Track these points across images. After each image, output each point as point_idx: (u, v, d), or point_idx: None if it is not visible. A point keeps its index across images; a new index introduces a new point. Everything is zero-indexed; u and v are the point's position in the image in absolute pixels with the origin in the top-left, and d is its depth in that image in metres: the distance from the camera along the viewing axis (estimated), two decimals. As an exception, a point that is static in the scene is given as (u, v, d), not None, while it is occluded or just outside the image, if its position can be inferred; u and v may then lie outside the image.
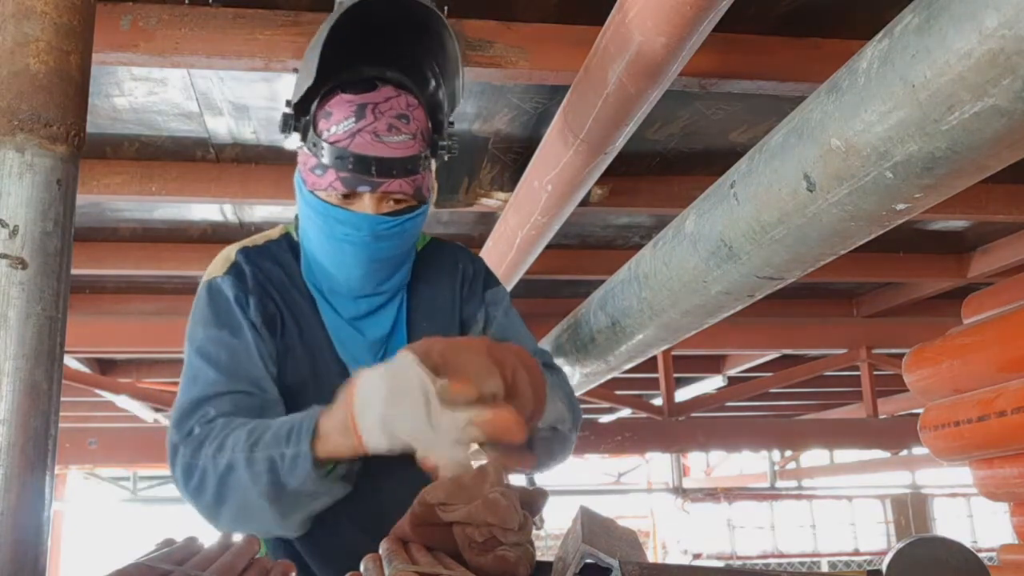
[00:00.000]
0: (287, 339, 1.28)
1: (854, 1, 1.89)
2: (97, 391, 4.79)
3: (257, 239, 1.40)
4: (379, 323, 1.32)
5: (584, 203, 2.48)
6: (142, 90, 2.17)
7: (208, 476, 1.12)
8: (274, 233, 1.41)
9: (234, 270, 1.31)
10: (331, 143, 1.19)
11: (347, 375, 1.23)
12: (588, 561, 0.62)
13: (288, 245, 1.37)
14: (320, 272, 1.31)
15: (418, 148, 1.22)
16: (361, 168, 1.18)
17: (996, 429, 2.67)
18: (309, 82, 1.16)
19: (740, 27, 1.88)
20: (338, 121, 1.20)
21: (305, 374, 1.26)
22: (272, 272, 1.32)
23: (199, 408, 1.18)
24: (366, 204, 1.21)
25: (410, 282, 1.35)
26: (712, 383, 6.00)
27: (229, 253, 1.35)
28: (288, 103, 1.25)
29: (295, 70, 1.28)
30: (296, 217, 1.36)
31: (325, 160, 1.20)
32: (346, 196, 1.21)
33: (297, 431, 1.06)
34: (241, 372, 1.21)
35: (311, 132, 1.23)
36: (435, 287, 1.37)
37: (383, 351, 1.30)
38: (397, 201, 1.23)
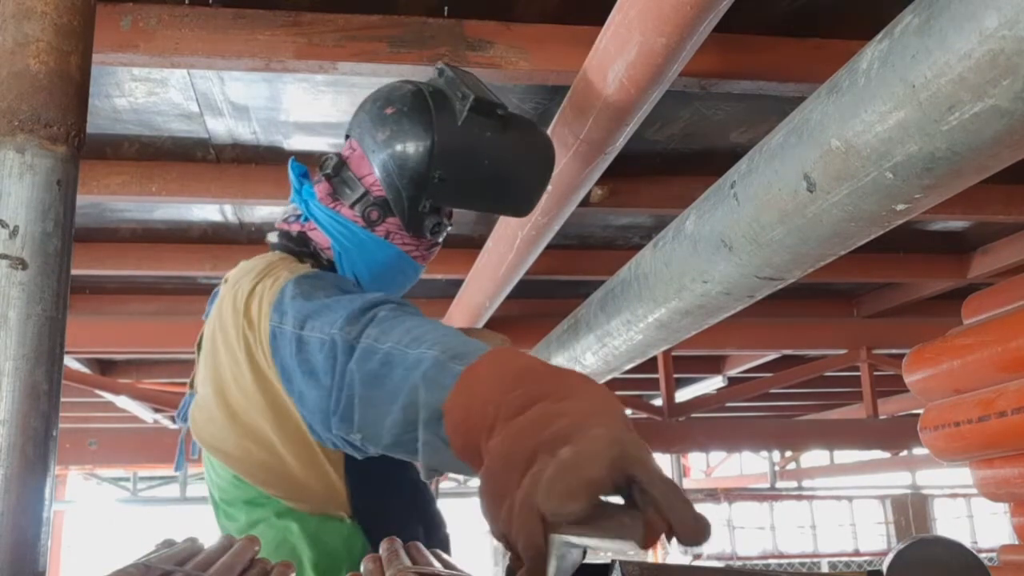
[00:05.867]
0: None
1: (854, 1, 1.89)
2: (97, 392, 4.78)
3: (292, 260, 1.38)
4: None
5: (584, 203, 2.48)
6: (142, 90, 2.17)
7: (392, 360, 0.99)
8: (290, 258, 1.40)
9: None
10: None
11: None
12: (585, 562, 0.62)
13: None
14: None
15: None
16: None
17: (996, 429, 2.67)
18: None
19: (740, 27, 1.88)
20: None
21: None
22: None
23: (374, 306, 1.08)
24: None
25: None
26: (712, 383, 6.00)
27: (303, 265, 1.33)
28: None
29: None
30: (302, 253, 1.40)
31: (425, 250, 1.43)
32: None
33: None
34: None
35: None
36: None
37: None
38: None
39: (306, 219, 1.39)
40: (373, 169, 1.35)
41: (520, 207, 1.53)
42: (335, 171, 1.37)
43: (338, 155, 1.40)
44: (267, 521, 1.25)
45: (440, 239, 1.43)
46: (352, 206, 1.36)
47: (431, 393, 0.87)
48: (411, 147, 1.32)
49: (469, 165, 1.36)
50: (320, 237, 1.37)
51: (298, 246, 1.37)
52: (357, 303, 1.08)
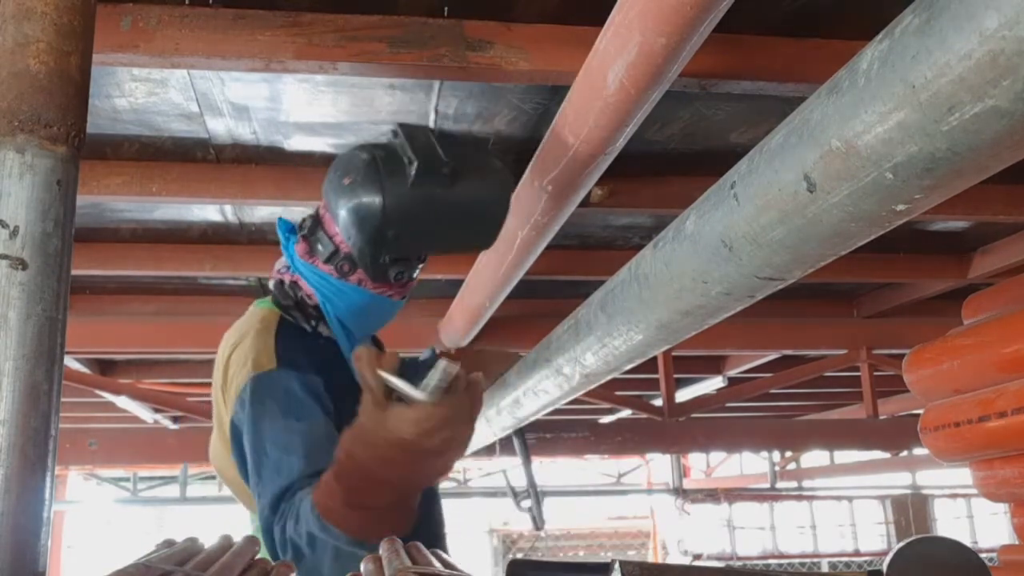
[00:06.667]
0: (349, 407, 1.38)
1: (854, 1, 1.89)
2: (97, 392, 4.78)
3: (267, 325, 1.58)
4: None
5: (584, 203, 2.48)
6: (142, 91, 2.17)
7: (300, 547, 1.23)
8: (271, 319, 1.60)
9: (284, 359, 1.50)
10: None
11: None
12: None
13: (289, 327, 1.61)
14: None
15: None
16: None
17: (996, 430, 2.67)
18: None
19: (740, 27, 1.88)
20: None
21: None
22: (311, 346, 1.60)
23: (287, 493, 1.30)
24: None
25: None
26: (712, 384, 5.99)
27: (268, 342, 1.52)
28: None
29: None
30: (283, 304, 1.63)
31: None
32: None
33: None
34: (323, 453, 1.32)
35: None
36: None
37: None
38: None
39: (294, 271, 1.60)
40: (338, 230, 1.54)
41: (481, 244, 1.74)
42: (311, 231, 1.58)
43: (314, 215, 1.60)
44: None
45: (413, 276, 1.62)
46: (326, 261, 1.56)
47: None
48: (364, 213, 1.49)
49: (421, 221, 1.53)
50: (306, 287, 1.59)
51: (288, 295, 1.60)
52: (269, 491, 1.31)
